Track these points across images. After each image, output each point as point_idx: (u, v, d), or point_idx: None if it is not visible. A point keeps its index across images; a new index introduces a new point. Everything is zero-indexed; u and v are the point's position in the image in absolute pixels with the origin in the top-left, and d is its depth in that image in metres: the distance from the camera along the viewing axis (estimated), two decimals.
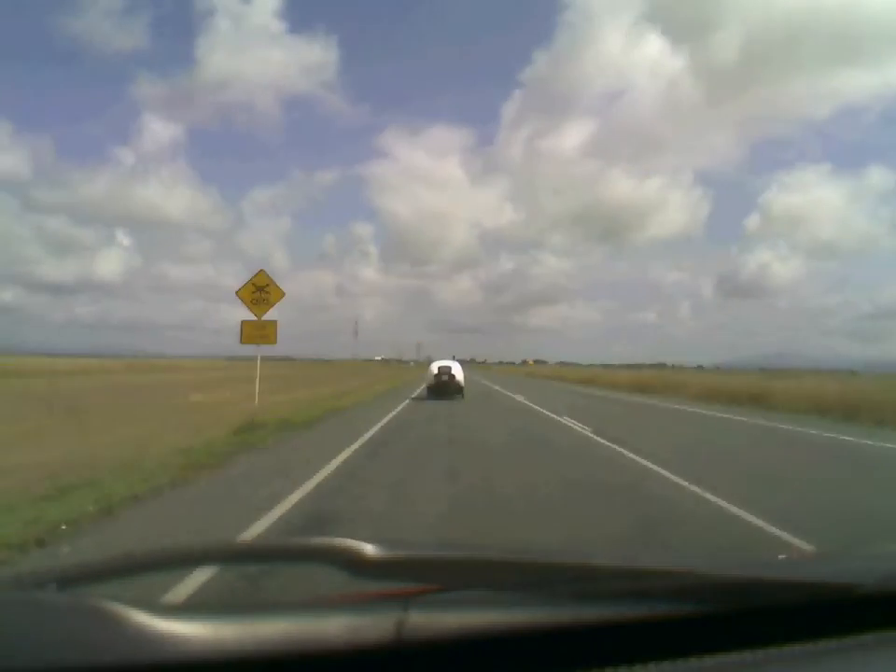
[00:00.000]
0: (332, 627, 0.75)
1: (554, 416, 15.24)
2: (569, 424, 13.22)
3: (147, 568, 0.91)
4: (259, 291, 13.12)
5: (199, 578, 3.25)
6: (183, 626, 0.71)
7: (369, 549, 0.85)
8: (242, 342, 13.05)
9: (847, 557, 1.50)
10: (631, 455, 8.60)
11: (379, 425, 12.47)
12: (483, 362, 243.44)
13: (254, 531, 4.48)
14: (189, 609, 0.79)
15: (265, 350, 13.19)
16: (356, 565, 0.84)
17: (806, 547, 4.50)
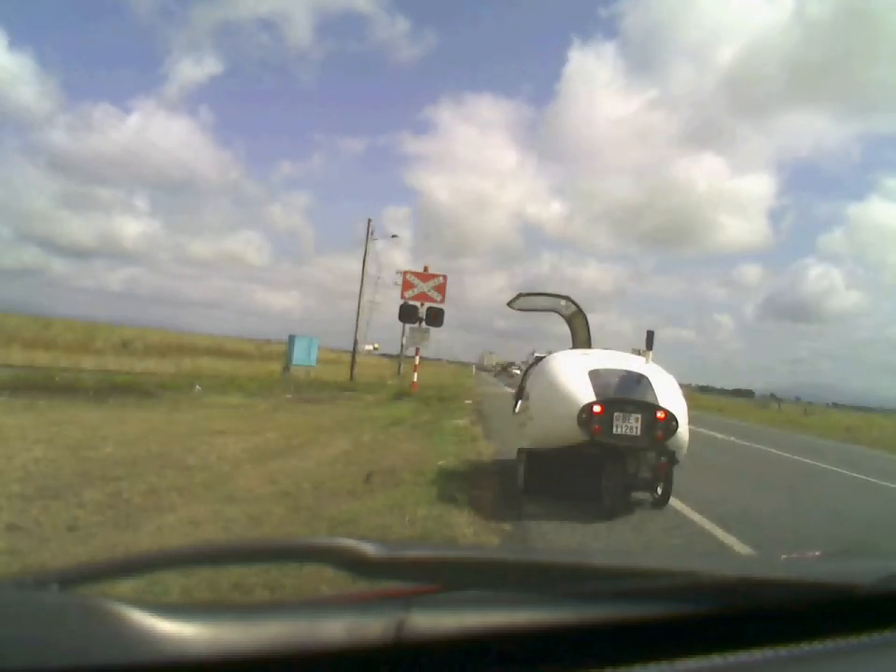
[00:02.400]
0: (332, 627, 0.75)
1: None
2: None
3: (147, 568, 0.91)
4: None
5: (199, 578, 3.25)
6: (183, 626, 0.71)
7: (369, 549, 0.85)
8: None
9: (847, 557, 1.50)
10: None
11: None
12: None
13: None
14: (189, 608, 0.79)
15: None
16: (356, 565, 0.84)
17: None
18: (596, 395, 5.28)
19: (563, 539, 4.91)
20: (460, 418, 14.10)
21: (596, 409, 5.17)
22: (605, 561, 1.06)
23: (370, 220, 29.65)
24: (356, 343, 30.12)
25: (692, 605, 0.90)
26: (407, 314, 20.75)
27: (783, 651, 0.88)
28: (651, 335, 6.42)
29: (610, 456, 5.36)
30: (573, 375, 5.55)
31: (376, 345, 66.50)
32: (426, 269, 21.64)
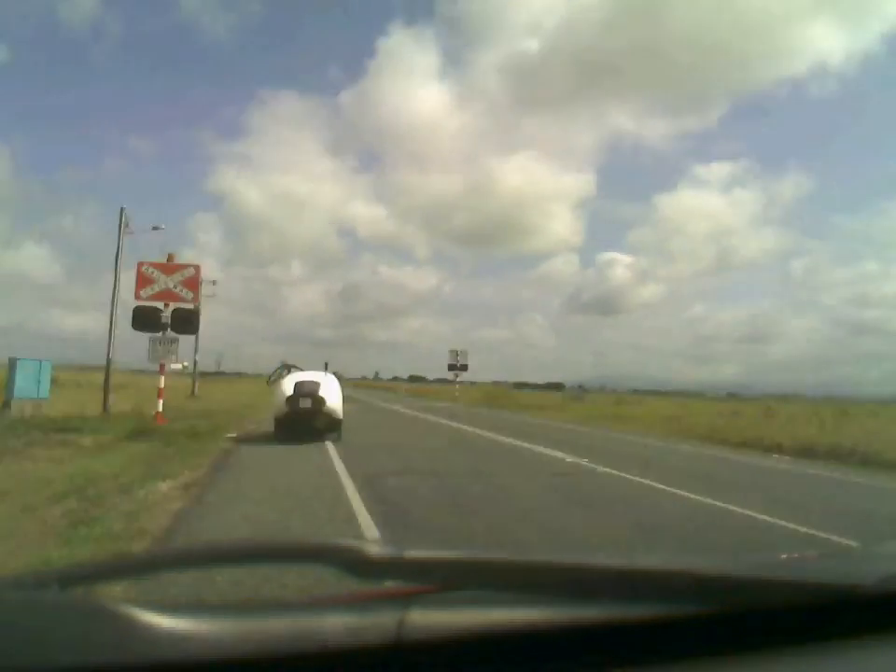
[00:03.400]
0: (332, 627, 0.75)
1: None
2: None
3: (148, 568, 0.91)
4: None
5: (199, 578, 3.24)
6: (183, 626, 0.71)
7: (369, 549, 0.85)
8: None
9: (847, 557, 1.50)
10: None
11: None
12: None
13: None
14: (189, 608, 0.79)
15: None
16: (356, 565, 0.84)
17: None
18: (293, 390, 12.59)
19: (291, 452, 10.65)
20: (182, 473, 8.05)
21: (290, 395, 12.51)
22: (605, 561, 1.06)
23: (122, 209, 20.13)
24: (108, 363, 19.53)
25: (692, 605, 0.90)
26: (143, 319, 15.46)
27: (783, 650, 0.88)
28: (326, 364, 14.92)
29: (305, 415, 12.46)
30: (287, 383, 13.03)
31: (185, 363, 60.44)
32: (170, 258, 16.67)
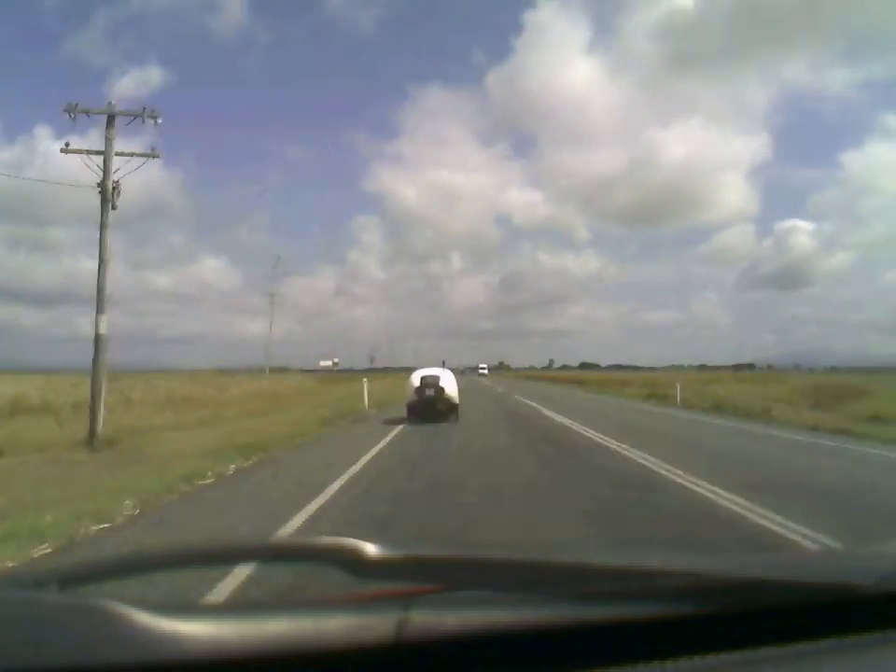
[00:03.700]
0: (332, 627, 0.75)
1: None
2: None
3: (148, 568, 0.91)
4: None
5: (199, 577, 3.24)
6: (183, 626, 0.71)
7: (370, 549, 0.85)
8: None
9: (847, 557, 1.50)
10: None
11: None
12: (500, 366, 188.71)
13: None
14: (189, 609, 0.79)
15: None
16: (356, 565, 0.84)
17: None
18: (420, 382, 16.31)
19: (423, 427, 14.69)
20: None
21: (418, 386, 16.28)
22: (605, 561, 1.06)
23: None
24: None
25: (692, 605, 0.90)
26: None
27: (783, 650, 0.88)
28: (444, 362, 25.50)
29: (430, 402, 16.13)
30: (415, 376, 16.68)
31: (335, 360, 58.61)
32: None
